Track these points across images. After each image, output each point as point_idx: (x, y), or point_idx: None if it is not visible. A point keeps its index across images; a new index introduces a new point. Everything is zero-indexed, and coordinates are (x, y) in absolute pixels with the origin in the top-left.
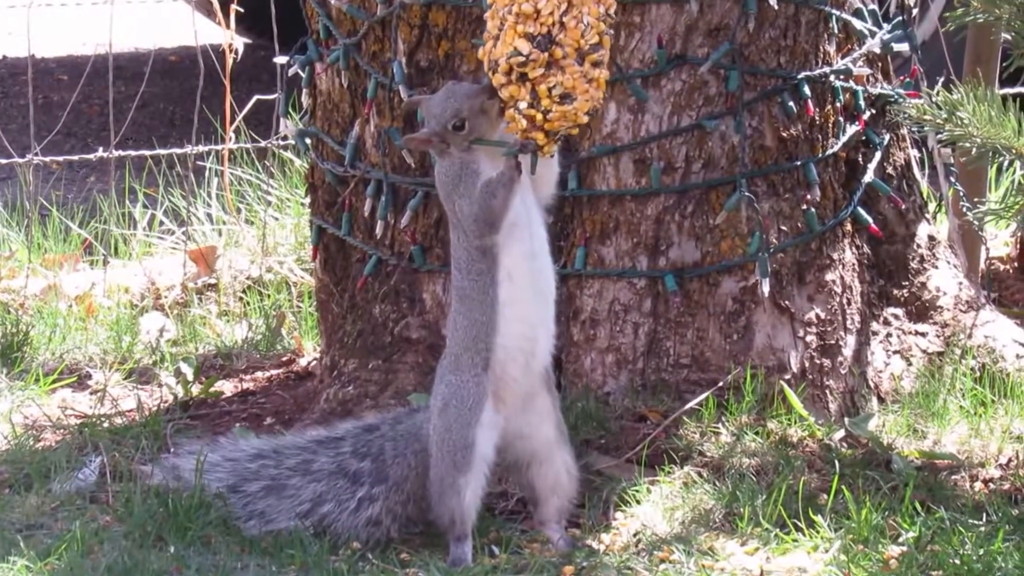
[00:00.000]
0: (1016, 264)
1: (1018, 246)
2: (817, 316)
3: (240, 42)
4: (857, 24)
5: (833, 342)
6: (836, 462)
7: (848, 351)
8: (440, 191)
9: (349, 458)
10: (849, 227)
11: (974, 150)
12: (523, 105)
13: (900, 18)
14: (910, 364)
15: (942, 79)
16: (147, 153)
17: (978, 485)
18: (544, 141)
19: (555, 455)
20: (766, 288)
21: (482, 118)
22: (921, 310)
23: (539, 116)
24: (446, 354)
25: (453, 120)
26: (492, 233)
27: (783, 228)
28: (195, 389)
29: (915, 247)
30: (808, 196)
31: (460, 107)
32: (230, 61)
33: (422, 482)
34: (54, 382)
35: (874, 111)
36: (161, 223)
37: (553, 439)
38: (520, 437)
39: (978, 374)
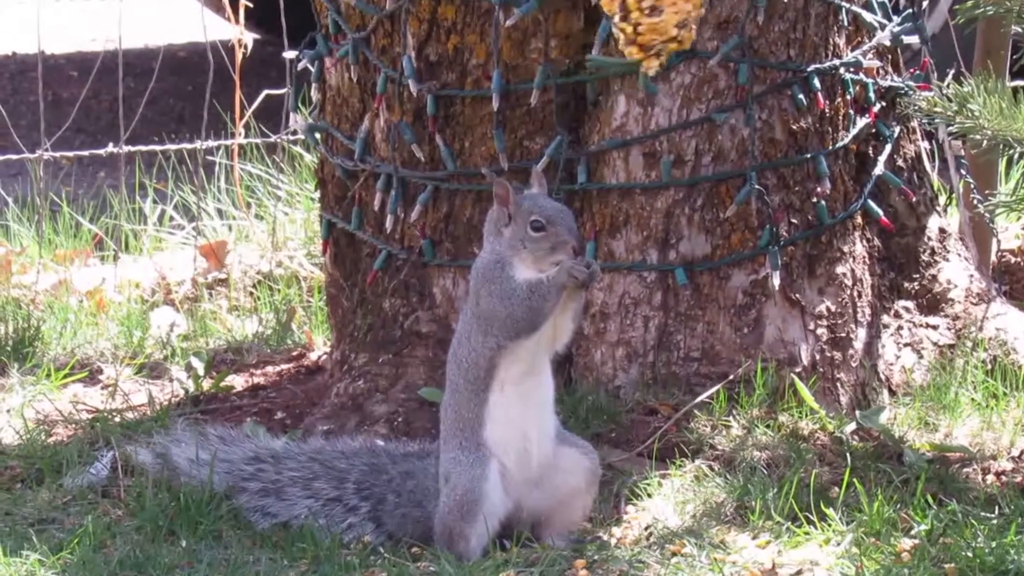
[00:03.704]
0: None
1: None
2: (828, 309)
3: (249, 37)
4: (867, 16)
5: (844, 335)
6: (847, 455)
7: (859, 344)
8: (471, 281)
9: (351, 494)
10: (860, 220)
11: (985, 142)
12: (616, 19)
13: (910, 10)
14: (921, 357)
15: (952, 71)
16: (157, 148)
17: (990, 478)
18: (641, 56)
19: (578, 500)
20: (776, 281)
21: (542, 247)
22: (932, 303)
23: (630, 29)
24: (440, 435)
25: (538, 219)
26: (531, 333)
27: (793, 221)
28: (206, 384)
29: (926, 240)
30: (818, 189)
31: (556, 221)
32: (239, 56)
33: (416, 536)
34: (65, 377)
35: (884, 103)
36: (171, 218)
37: (583, 488)
38: (538, 504)
39: (989, 367)
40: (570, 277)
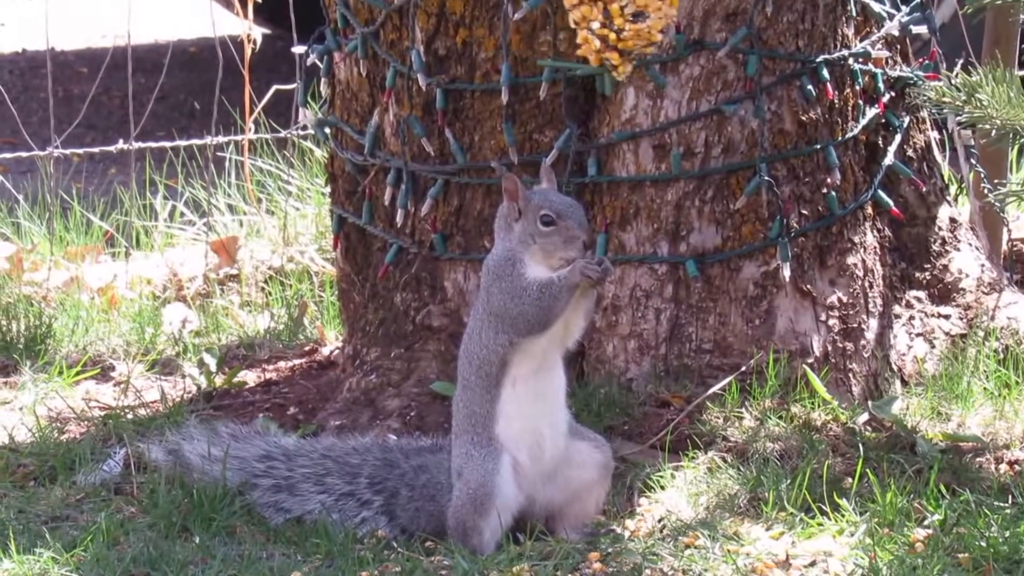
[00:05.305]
0: None
1: None
2: (839, 300)
3: (258, 32)
4: (875, 7)
5: (855, 325)
6: (860, 445)
7: (871, 334)
8: (483, 277)
9: (363, 488)
10: (870, 210)
11: (994, 132)
12: (596, 25)
13: (918, 0)
14: (933, 347)
15: (961, 61)
16: (167, 144)
17: (1003, 467)
18: (619, 61)
19: (591, 493)
20: (787, 272)
21: (553, 242)
22: (943, 292)
23: (612, 35)
24: (452, 430)
25: (548, 213)
26: (543, 331)
27: (804, 212)
28: (218, 380)
29: (936, 229)
30: (828, 180)
31: (566, 215)
32: (249, 52)
33: (429, 530)
34: (78, 374)
35: (893, 94)
36: (182, 214)
37: (596, 481)
38: (551, 498)
39: (1001, 356)
40: (583, 276)
